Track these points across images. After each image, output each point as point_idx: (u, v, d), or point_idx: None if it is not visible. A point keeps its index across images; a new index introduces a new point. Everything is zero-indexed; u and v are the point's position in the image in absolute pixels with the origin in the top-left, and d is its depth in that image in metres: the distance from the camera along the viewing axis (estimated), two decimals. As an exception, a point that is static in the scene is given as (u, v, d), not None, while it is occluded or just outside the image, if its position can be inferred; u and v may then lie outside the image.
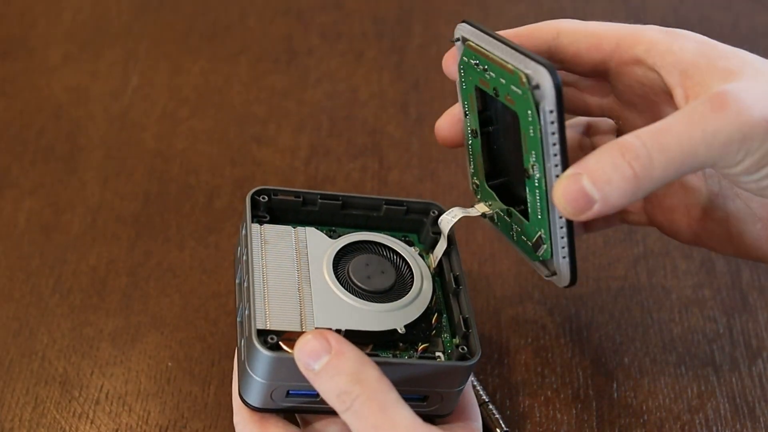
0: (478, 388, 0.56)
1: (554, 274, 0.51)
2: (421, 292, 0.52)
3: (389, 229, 0.56)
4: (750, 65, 0.45)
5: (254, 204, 0.54)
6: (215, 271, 0.63)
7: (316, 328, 0.49)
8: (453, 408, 0.52)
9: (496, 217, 0.54)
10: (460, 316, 0.52)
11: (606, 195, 0.42)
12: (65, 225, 0.65)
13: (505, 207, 0.53)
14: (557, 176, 0.46)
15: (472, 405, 0.53)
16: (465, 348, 0.50)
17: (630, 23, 0.79)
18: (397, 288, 0.52)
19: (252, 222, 0.53)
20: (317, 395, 0.47)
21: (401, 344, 0.51)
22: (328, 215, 0.55)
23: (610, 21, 0.79)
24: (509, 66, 0.47)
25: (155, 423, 0.56)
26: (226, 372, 0.58)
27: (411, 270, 0.53)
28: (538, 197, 0.49)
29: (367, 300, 0.51)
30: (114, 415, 0.56)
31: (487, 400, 0.56)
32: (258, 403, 0.49)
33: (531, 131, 0.46)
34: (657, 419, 0.57)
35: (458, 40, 0.53)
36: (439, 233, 0.55)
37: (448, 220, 0.54)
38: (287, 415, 0.51)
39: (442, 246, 0.54)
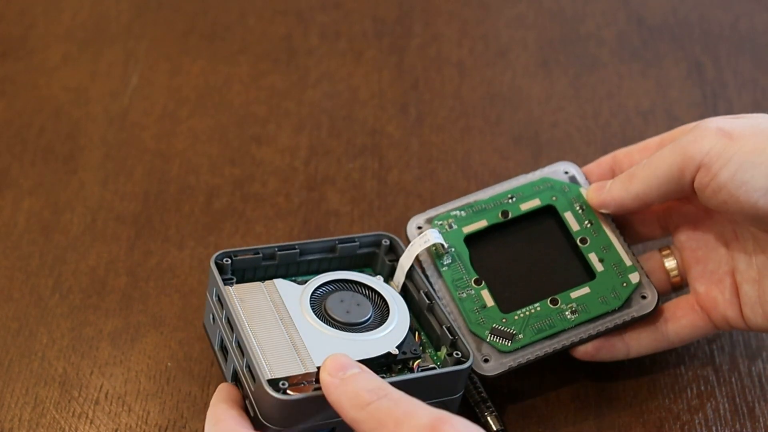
0: (478, 384, 0.56)
1: (486, 360, 0.54)
2: (401, 311, 0.54)
3: (347, 267, 0.58)
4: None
5: (219, 268, 0.55)
6: (215, 271, 0.63)
7: (317, 366, 0.50)
8: (455, 412, 0.52)
9: (453, 258, 0.57)
10: (443, 327, 0.54)
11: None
12: (65, 225, 0.65)
13: (475, 274, 0.57)
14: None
15: None
16: (459, 353, 0.52)
17: (630, 24, 0.79)
18: (377, 314, 0.54)
19: (224, 285, 0.54)
20: None
21: (396, 366, 0.53)
22: (288, 265, 0.57)
23: (609, 21, 0.79)
24: (628, 259, 0.56)
25: (155, 423, 0.56)
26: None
27: (382, 296, 0.55)
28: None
29: (354, 332, 0.53)
30: (113, 415, 0.56)
31: (485, 396, 0.56)
32: None
33: (601, 300, 0.55)
34: (657, 419, 0.57)
35: (567, 172, 0.60)
36: (394, 260, 0.57)
37: (420, 243, 0.56)
38: None
39: (402, 271, 0.56)
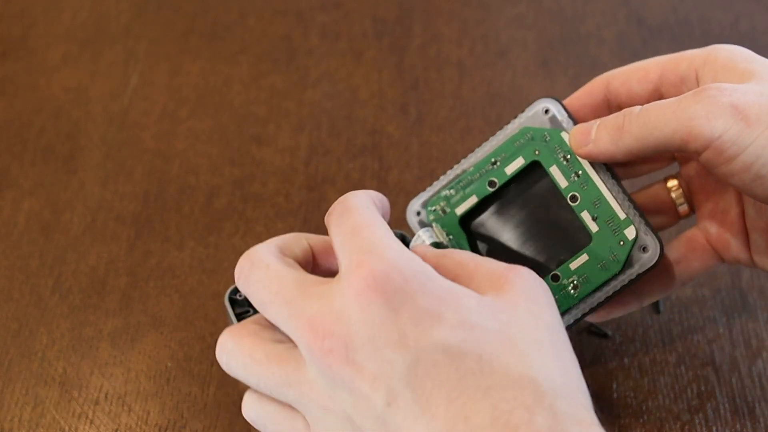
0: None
1: None
2: None
3: None
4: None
5: (234, 302, 0.55)
6: (215, 271, 0.63)
7: None
8: None
9: (453, 248, 0.56)
10: None
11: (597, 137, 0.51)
12: (65, 225, 0.65)
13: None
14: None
15: None
16: None
17: (630, 24, 0.79)
18: None
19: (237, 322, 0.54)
20: None
21: None
22: None
23: (609, 21, 0.79)
24: (622, 211, 0.52)
25: (155, 423, 0.56)
26: (225, 372, 0.58)
27: None
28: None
29: None
30: (113, 416, 0.56)
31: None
32: None
33: (600, 267, 0.52)
34: (657, 419, 0.57)
35: (547, 111, 0.54)
36: None
37: (418, 246, 0.55)
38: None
39: None
